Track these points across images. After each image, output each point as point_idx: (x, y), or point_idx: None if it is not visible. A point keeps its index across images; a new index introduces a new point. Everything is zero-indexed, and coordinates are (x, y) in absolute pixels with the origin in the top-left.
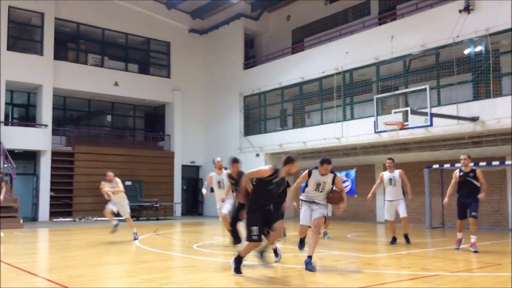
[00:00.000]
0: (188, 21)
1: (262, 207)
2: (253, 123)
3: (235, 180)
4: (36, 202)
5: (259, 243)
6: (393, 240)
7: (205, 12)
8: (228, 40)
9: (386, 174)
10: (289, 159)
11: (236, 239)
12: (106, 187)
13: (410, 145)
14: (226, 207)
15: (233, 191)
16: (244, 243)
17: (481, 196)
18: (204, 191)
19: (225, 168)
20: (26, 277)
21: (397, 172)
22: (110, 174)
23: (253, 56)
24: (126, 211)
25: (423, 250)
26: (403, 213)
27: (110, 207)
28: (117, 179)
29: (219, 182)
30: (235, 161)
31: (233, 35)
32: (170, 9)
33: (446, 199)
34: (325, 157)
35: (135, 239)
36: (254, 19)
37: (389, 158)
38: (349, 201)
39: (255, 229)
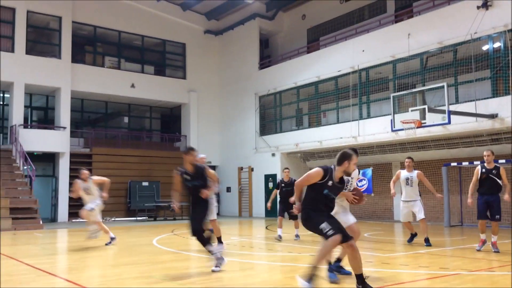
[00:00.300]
0: (203, 22)
1: (322, 213)
2: (269, 122)
3: (191, 176)
4: (55, 203)
5: (339, 238)
6: (411, 238)
7: (220, 13)
8: (243, 40)
9: (403, 173)
10: (345, 155)
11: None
12: (79, 186)
13: (428, 143)
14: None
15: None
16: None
17: (506, 197)
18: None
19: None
20: (45, 278)
21: (415, 173)
22: (85, 172)
23: (268, 56)
24: (98, 213)
25: (441, 249)
26: (420, 215)
27: (87, 207)
28: (95, 178)
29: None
30: (189, 149)
31: (248, 35)
32: (185, 11)
33: (469, 200)
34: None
35: (109, 242)
36: (269, 19)
37: (409, 157)
38: (366, 200)
39: (324, 225)
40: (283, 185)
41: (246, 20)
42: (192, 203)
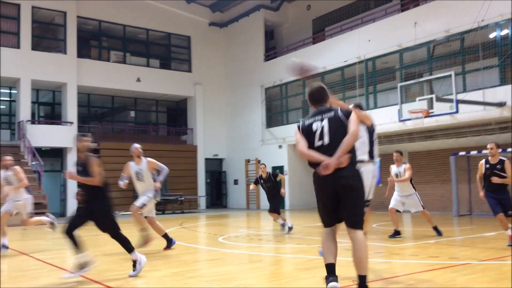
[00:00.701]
0: (208, 15)
1: None
2: (275, 114)
3: (82, 165)
4: (64, 198)
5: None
6: (394, 234)
7: (224, 5)
8: (248, 32)
9: (393, 168)
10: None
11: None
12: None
13: (435, 133)
14: (140, 200)
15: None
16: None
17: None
18: (120, 183)
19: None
20: (57, 272)
21: (403, 167)
22: (7, 158)
23: (273, 47)
24: (25, 209)
25: (450, 238)
26: (418, 208)
27: (6, 208)
28: (18, 168)
29: (137, 174)
30: (79, 136)
31: (253, 27)
32: (189, 3)
33: (481, 193)
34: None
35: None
36: (274, 10)
37: (397, 151)
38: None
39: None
40: (262, 181)
41: (250, 12)
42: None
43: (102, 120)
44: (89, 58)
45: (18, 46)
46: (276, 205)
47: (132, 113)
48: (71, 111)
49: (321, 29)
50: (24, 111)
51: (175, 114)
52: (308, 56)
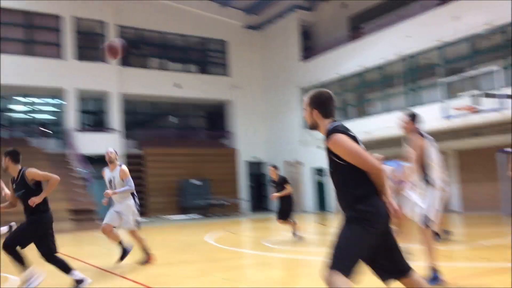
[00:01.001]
0: (243, 18)
1: None
2: None
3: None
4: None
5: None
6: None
7: (259, 8)
8: (284, 33)
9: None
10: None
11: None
12: None
13: (482, 130)
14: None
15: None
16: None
17: None
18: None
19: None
20: (109, 277)
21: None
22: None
23: (310, 47)
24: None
25: (502, 240)
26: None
27: None
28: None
29: (110, 181)
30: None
31: (289, 28)
32: (225, 7)
33: None
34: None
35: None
36: (309, 9)
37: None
38: None
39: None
40: (274, 184)
41: (286, 13)
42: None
43: (144, 127)
44: (130, 66)
45: (60, 57)
46: (283, 211)
47: (173, 118)
48: (115, 118)
49: (357, 27)
50: (70, 119)
51: (215, 117)
52: (346, 54)
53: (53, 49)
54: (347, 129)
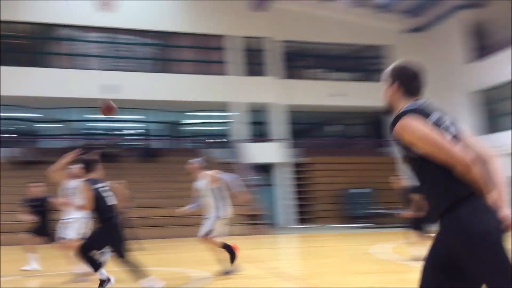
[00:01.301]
0: (403, 21)
1: None
2: (491, 119)
3: None
4: (276, 211)
5: None
6: None
7: (421, 10)
8: (449, 34)
9: None
10: None
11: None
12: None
13: None
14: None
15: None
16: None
17: None
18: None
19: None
20: (287, 282)
21: None
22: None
23: (481, 47)
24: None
25: None
26: None
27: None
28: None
29: (199, 190)
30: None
31: (455, 28)
32: (382, 13)
33: None
34: None
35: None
36: (478, 6)
37: None
38: None
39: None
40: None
41: (451, 12)
42: None
43: (308, 136)
44: (293, 78)
45: (225, 73)
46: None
47: (335, 127)
48: (278, 128)
49: None
50: (238, 131)
51: (377, 125)
52: None
53: (217, 67)
54: (430, 111)
